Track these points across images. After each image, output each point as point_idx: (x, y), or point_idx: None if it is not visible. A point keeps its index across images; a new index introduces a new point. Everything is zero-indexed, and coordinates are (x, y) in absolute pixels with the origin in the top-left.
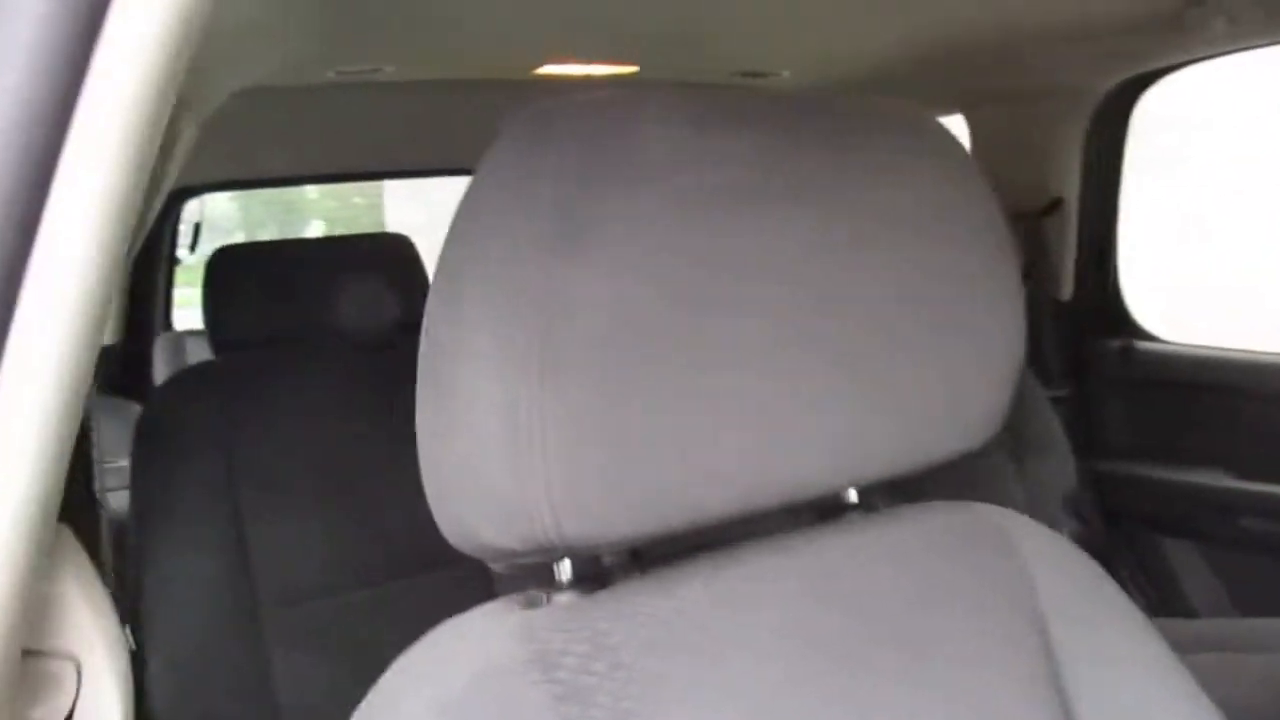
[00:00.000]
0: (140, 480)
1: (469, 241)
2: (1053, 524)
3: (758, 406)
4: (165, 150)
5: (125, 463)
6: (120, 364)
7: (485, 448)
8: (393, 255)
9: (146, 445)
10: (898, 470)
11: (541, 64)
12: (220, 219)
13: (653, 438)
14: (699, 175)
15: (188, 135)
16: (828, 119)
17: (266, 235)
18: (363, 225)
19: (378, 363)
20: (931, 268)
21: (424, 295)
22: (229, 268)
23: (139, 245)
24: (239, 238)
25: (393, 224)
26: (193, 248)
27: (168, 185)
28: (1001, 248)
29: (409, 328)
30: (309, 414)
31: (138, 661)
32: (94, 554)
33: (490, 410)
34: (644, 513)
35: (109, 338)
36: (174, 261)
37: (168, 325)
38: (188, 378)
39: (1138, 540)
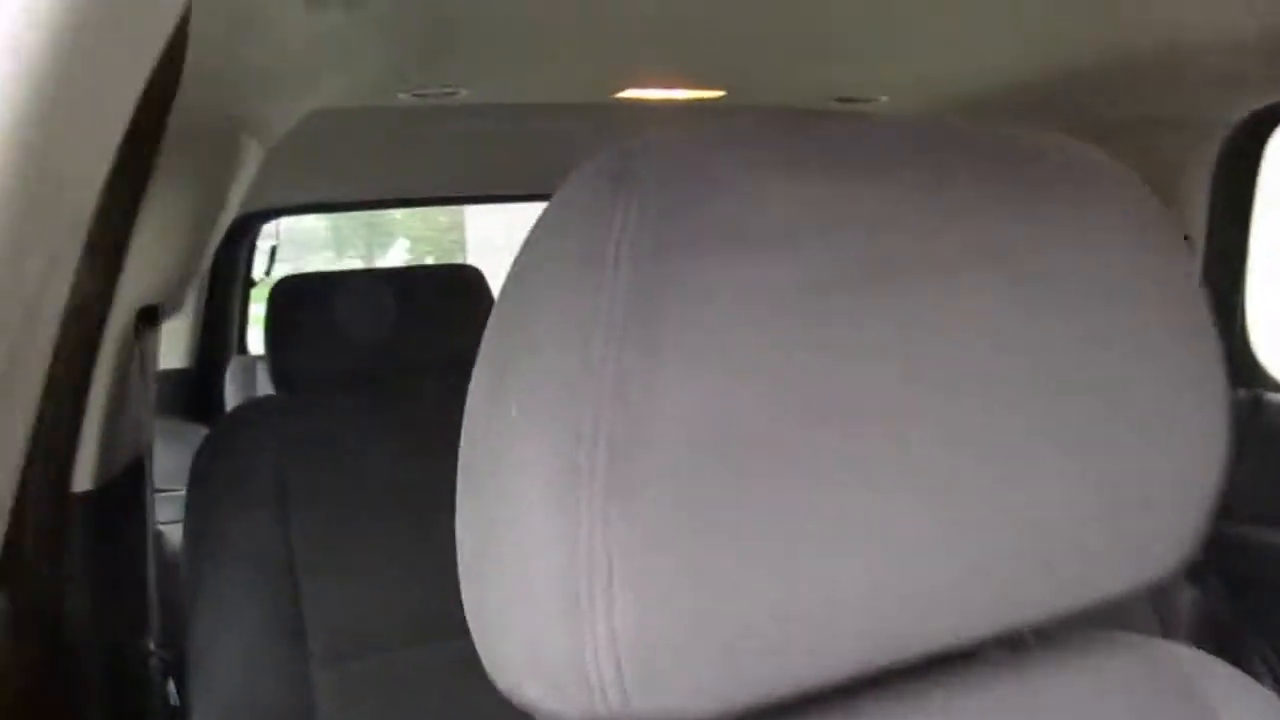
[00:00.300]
0: (192, 523)
1: (520, 321)
2: (1172, 590)
3: (889, 540)
4: (226, 173)
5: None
6: (192, 388)
7: (534, 587)
8: (463, 288)
9: (199, 487)
10: (1066, 610)
11: (624, 88)
12: (308, 237)
13: (753, 581)
14: (825, 240)
15: (253, 158)
16: (988, 159)
17: (354, 253)
18: (445, 244)
19: (445, 405)
20: (1127, 356)
21: None
22: (291, 300)
23: (203, 268)
24: (327, 255)
25: (473, 242)
26: (268, 270)
27: (232, 207)
28: (1204, 328)
29: None
30: (370, 458)
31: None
32: (141, 592)
33: (542, 539)
34: (740, 680)
35: (180, 361)
36: (249, 284)
37: (242, 349)
38: (243, 416)
39: (1267, 611)
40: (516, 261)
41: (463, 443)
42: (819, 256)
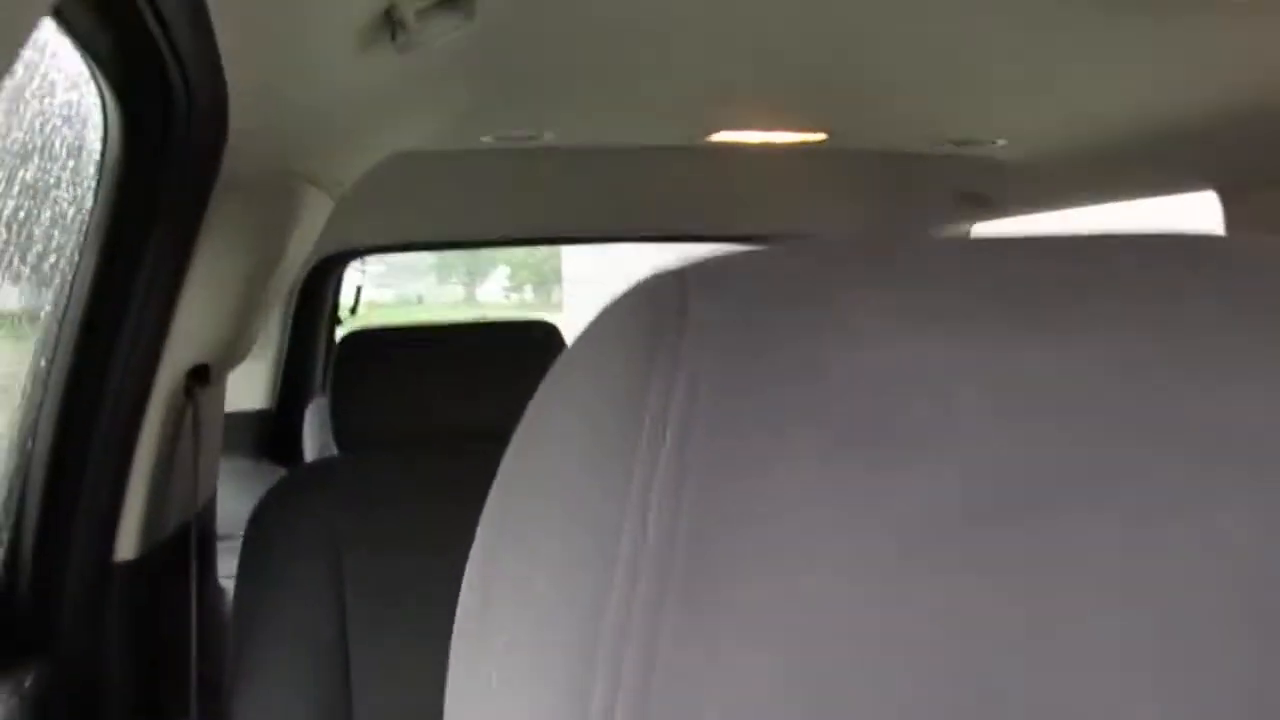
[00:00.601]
0: (241, 594)
1: (510, 549)
2: None
3: None
4: (286, 224)
5: None
6: (273, 430)
7: None
8: (536, 345)
9: (250, 555)
10: None
11: (717, 131)
12: (413, 260)
13: None
14: (981, 438)
15: (319, 207)
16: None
17: (455, 279)
18: (544, 271)
19: None
20: None
21: None
22: (356, 355)
23: (261, 324)
24: (430, 279)
25: (569, 273)
26: (354, 310)
27: (294, 258)
28: None
29: None
30: (432, 529)
31: None
32: (184, 663)
33: None
34: None
35: (262, 402)
36: (335, 324)
37: (325, 389)
38: (300, 480)
39: None
40: (513, 446)
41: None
42: (974, 464)
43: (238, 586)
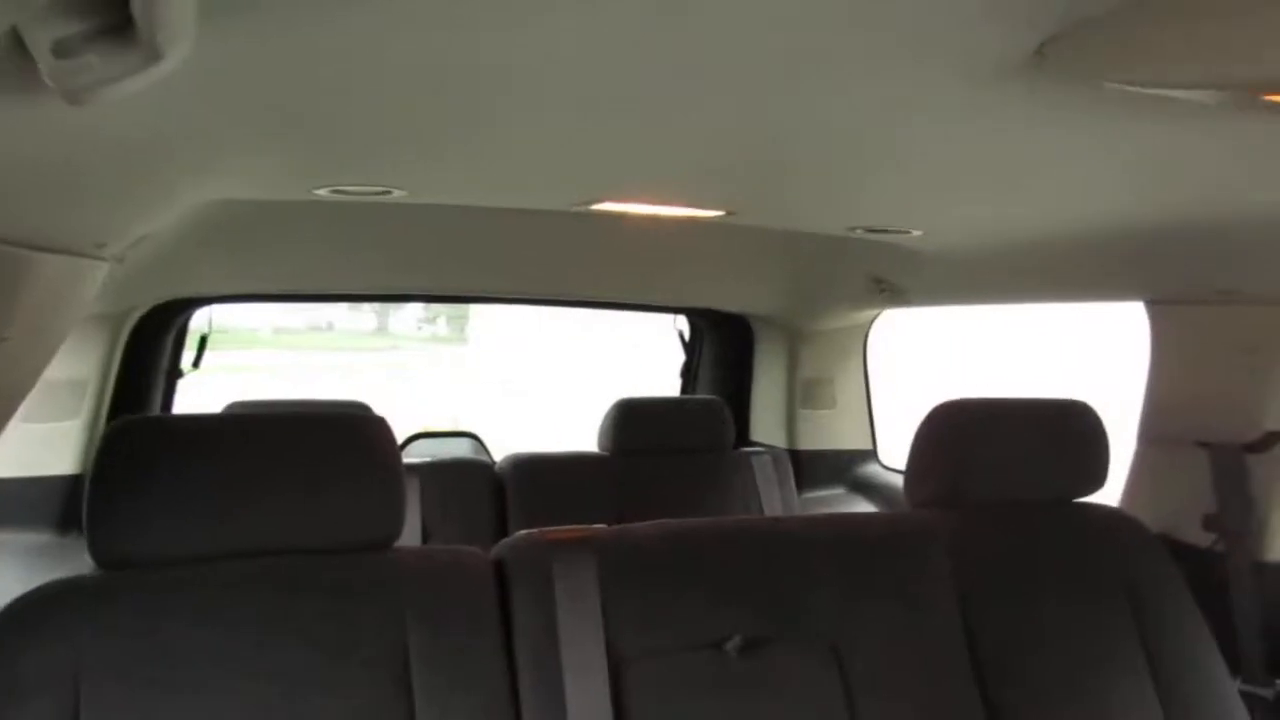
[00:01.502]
0: None
1: None
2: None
3: None
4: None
5: None
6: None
7: None
8: (368, 439)
9: None
10: None
11: (597, 201)
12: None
13: None
14: None
15: (68, 270)
16: None
17: (369, 307)
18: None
19: (297, 594)
20: None
21: None
22: (122, 451)
23: (94, 365)
24: (343, 307)
25: (477, 308)
26: (196, 363)
27: (77, 314)
28: None
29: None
30: (189, 659)
31: None
32: None
33: None
34: None
35: (72, 467)
36: (175, 376)
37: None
38: (37, 598)
39: None
40: None
41: None
42: None
43: None
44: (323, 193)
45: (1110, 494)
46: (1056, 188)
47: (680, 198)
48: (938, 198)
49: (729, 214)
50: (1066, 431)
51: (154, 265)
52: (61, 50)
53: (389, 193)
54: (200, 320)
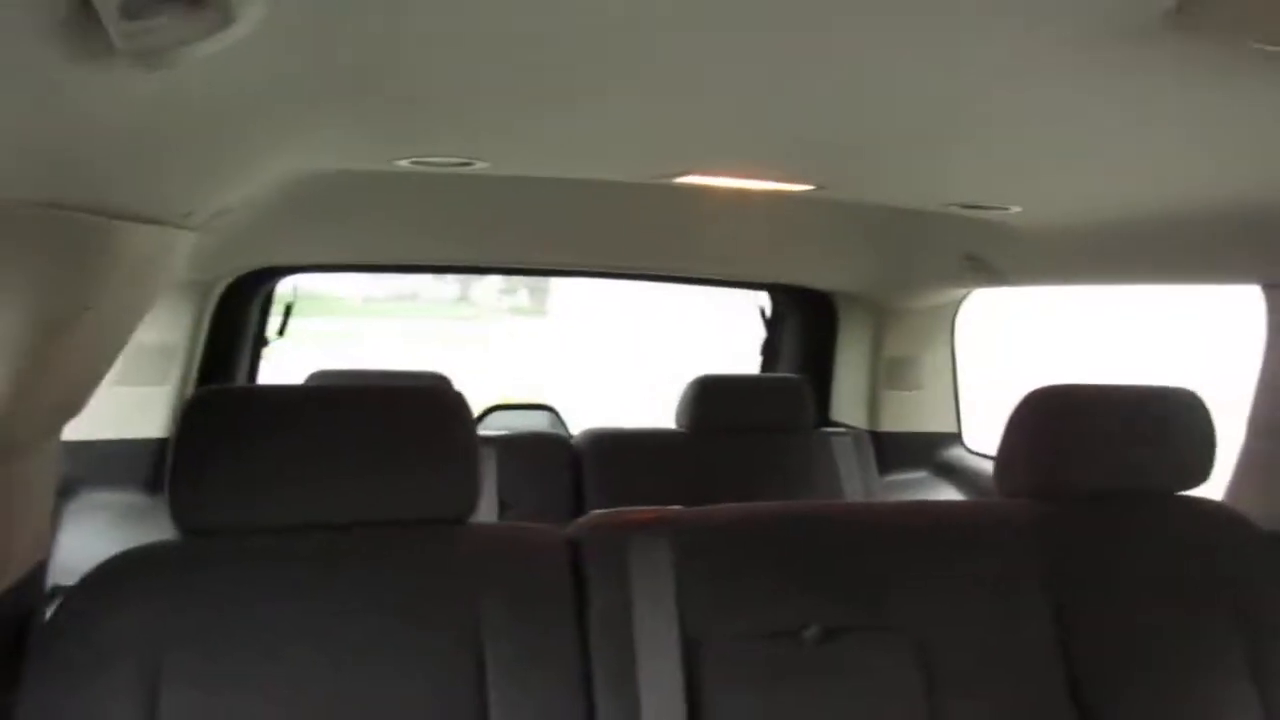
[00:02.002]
0: (35, 694)
1: None
2: None
3: None
4: (73, 264)
5: None
6: None
7: None
8: (444, 411)
9: (46, 652)
10: None
11: (685, 174)
12: None
13: None
14: None
15: (153, 240)
16: None
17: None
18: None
19: (378, 568)
20: None
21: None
22: (204, 417)
23: (184, 333)
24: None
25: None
26: (281, 330)
27: (138, 296)
28: None
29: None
30: (272, 630)
31: None
32: None
33: None
34: None
35: (159, 430)
36: (260, 343)
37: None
38: (117, 569)
39: None
40: None
41: None
42: None
43: (23, 698)
44: (404, 164)
45: (1215, 489)
46: (1170, 160)
47: (768, 171)
48: (1039, 171)
49: (818, 189)
50: (1170, 421)
51: (240, 235)
52: (130, 11)
53: (470, 164)
54: (286, 288)
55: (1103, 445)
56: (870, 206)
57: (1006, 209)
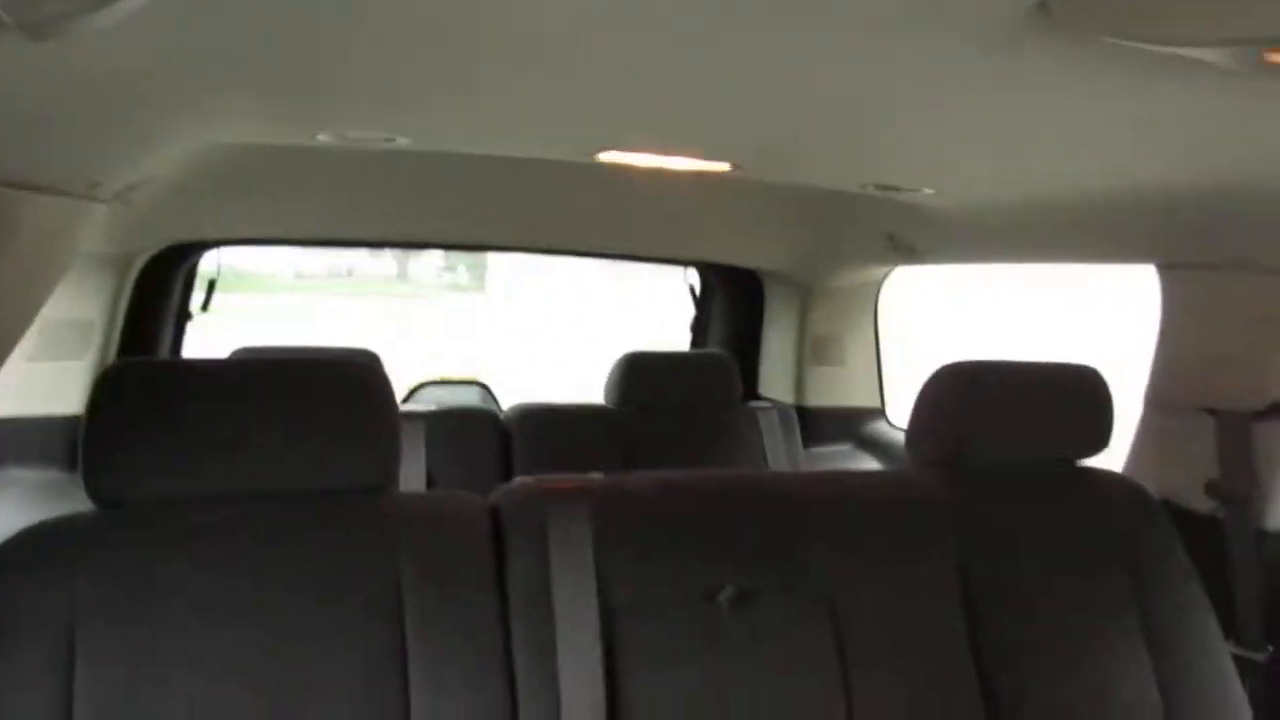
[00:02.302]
0: None
1: None
2: None
3: None
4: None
5: None
6: None
7: None
8: (360, 382)
9: None
10: None
11: (602, 150)
12: None
13: None
14: None
15: (63, 211)
16: None
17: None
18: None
19: (296, 540)
20: None
21: None
22: (118, 391)
23: (100, 305)
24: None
25: (495, 258)
26: (205, 306)
27: (73, 255)
28: None
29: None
30: (187, 600)
31: None
32: None
33: None
34: None
35: (78, 407)
36: (184, 319)
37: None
38: (33, 538)
39: None
40: None
41: None
42: None
43: None
44: (325, 138)
45: (1115, 461)
46: (1065, 147)
47: (686, 150)
48: (948, 156)
49: (736, 168)
50: (1071, 395)
51: (161, 208)
52: None
53: (393, 140)
54: (210, 264)
55: (1007, 417)
56: (794, 186)
57: (921, 191)
